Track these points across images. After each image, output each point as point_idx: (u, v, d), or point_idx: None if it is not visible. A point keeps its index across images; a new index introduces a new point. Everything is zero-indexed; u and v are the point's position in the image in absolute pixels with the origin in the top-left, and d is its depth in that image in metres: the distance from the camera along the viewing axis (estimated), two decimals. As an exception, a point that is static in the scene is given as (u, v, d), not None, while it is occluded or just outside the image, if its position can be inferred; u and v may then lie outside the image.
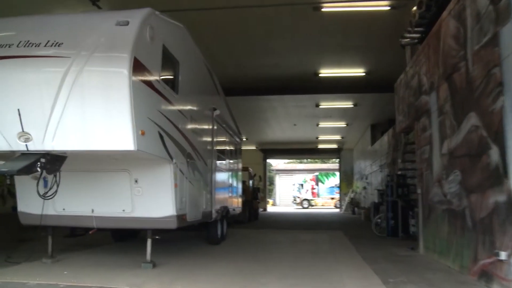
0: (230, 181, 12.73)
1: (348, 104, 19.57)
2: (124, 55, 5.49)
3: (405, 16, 9.98)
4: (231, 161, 12.88)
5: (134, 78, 5.51)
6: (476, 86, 6.13)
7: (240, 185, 14.91)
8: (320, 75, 15.68)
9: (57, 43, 5.61)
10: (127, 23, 5.76)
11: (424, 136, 8.97)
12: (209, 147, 9.67)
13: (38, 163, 5.66)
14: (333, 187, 43.89)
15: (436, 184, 8.10)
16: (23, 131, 5.57)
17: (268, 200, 38.86)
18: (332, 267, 7.52)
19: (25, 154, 5.72)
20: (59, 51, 5.56)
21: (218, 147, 10.58)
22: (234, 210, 13.10)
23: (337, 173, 39.10)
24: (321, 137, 29.29)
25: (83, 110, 5.52)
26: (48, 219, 6.85)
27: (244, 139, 22.11)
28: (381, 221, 13.45)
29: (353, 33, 12.07)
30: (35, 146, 5.63)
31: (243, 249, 10.05)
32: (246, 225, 17.28)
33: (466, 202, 6.57)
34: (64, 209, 7.02)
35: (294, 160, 52.99)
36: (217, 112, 10.11)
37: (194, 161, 8.17)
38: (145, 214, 6.83)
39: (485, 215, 5.87)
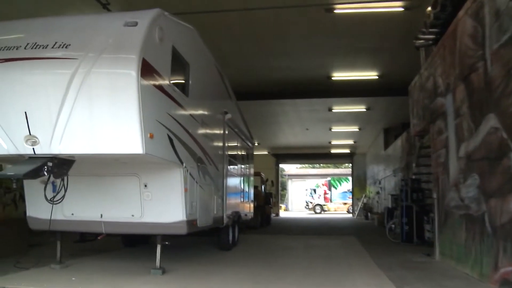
0: (242, 186, 12.59)
1: (361, 108, 19.43)
2: (133, 56, 5.39)
3: (419, 17, 9.76)
4: (243, 166, 12.74)
5: (142, 79, 5.39)
6: (496, 86, 5.91)
7: (252, 190, 14.76)
8: (332, 78, 15.55)
9: (64, 44, 5.51)
10: (135, 24, 5.66)
11: (439, 139, 8.75)
12: (220, 152, 9.54)
13: (45, 167, 5.55)
14: (345, 192, 43.80)
15: (452, 188, 7.87)
16: (30, 134, 5.49)
17: (280, 205, 38.71)
18: (346, 273, 7.34)
19: (32, 158, 5.63)
20: (67, 53, 5.47)
21: (230, 152, 10.44)
22: (246, 215, 12.97)
23: (350, 178, 38.87)
24: (334, 142, 29.12)
25: (91, 112, 5.41)
26: (56, 224, 6.76)
27: (256, 144, 22.00)
28: (395, 227, 13.20)
29: (366, 35, 11.91)
30: (42, 149, 5.54)
31: (255, 255, 9.88)
32: (258, 231, 17.12)
33: (485, 207, 6.33)
34: (72, 214, 6.93)
35: (307, 165, 52.82)
36: (228, 116, 9.98)
37: (205, 165, 8.04)
38: (155, 219, 6.70)
39: (506, 220, 5.64)
